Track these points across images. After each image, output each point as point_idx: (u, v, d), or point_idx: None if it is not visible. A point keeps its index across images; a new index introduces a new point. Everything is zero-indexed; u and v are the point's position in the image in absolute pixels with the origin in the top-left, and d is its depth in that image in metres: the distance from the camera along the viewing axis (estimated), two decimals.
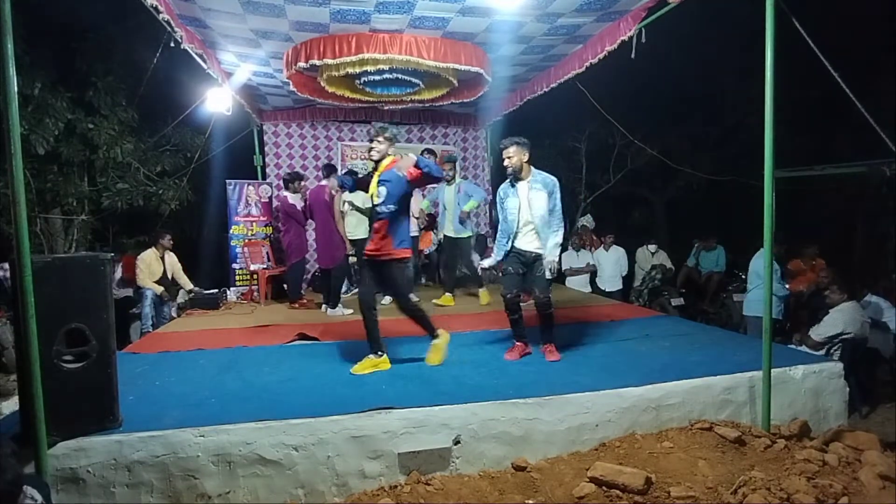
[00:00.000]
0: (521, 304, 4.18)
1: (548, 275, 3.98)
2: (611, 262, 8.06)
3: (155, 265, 6.76)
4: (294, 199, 6.76)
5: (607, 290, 7.93)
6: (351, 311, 6.14)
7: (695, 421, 3.43)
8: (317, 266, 7.25)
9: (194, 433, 2.84)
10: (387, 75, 5.67)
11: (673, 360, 3.99)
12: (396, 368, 3.92)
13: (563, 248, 8.61)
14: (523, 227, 4.04)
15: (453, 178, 6.46)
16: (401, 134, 9.00)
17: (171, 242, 6.98)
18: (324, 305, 6.38)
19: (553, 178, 4.10)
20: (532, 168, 4.08)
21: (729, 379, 3.58)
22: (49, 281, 2.62)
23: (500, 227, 4.23)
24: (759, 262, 5.69)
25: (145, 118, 8.12)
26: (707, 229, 8.55)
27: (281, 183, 7.56)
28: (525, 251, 4.05)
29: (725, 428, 3.33)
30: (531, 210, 3.99)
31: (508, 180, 4.11)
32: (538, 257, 4.02)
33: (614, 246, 8.15)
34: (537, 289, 4.03)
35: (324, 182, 6.40)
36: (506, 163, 4.03)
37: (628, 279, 8.34)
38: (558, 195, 4.07)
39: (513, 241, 4.08)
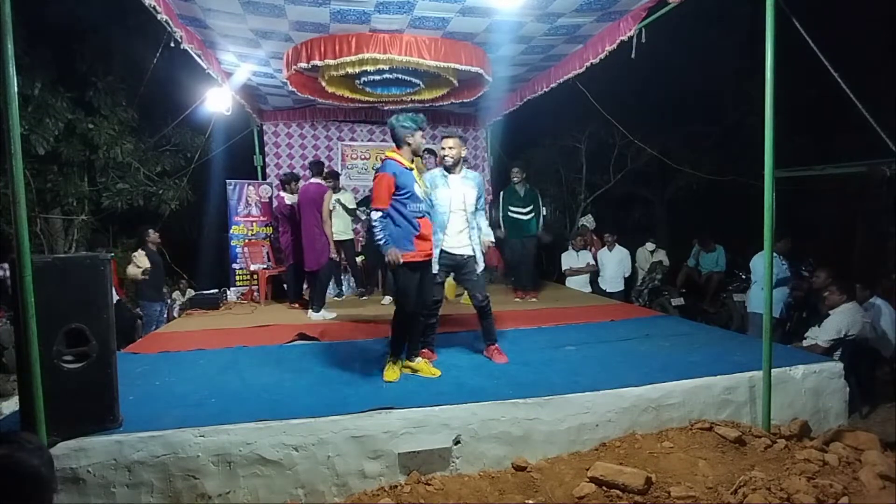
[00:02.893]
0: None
1: (479, 269, 3.99)
2: (614, 263, 7.85)
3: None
4: (291, 200, 6.73)
5: (609, 290, 7.77)
6: (335, 314, 6.00)
7: (695, 421, 3.43)
8: None
9: (194, 433, 2.84)
10: (387, 75, 5.67)
11: (673, 360, 3.99)
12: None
13: (563, 247, 8.65)
14: (454, 222, 3.96)
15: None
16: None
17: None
18: (310, 310, 6.16)
19: (479, 175, 4.19)
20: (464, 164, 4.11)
21: (729, 379, 3.58)
22: (49, 281, 2.62)
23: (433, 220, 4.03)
24: (760, 260, 5.75)
25: (145, 118, 8.13)
26: (707, 229, 8.54)
27: (279, 183, 7.55)
28: (456, 254, 3.97)
29: (725, 428, 3.33)
30: (465, 203, 3.96)
31: (441, 171, 4.06)
32: (471, 258, 3.97)
33: (617, 246, 7.95)
34: (476, 292, 4.00)
35: (313, 180, 6.24)
36: (445, 152, 3.98)
37: (630, 280, 8.21)
38: (483, 192, 4.11)
39: (443, 241, 3.97)
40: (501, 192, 7.26)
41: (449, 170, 4.02)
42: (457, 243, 3.98)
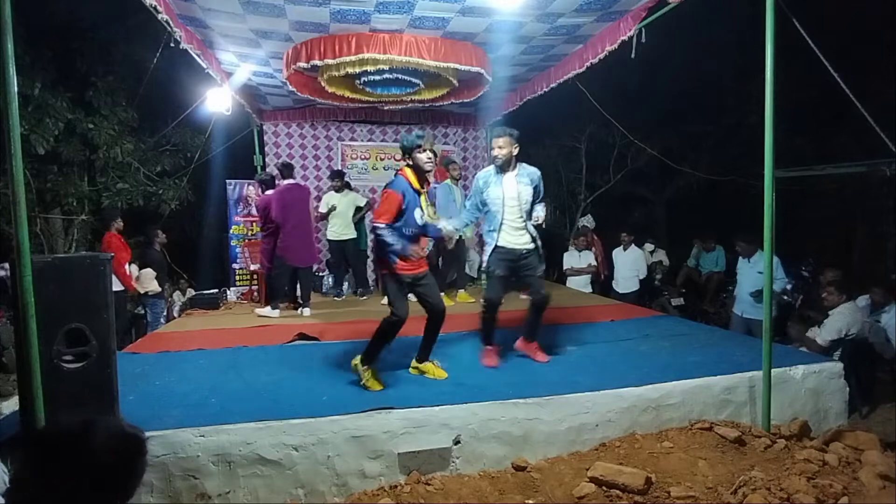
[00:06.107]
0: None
1: (541, 265, 4.00)
2: (627, 263, 7.60)
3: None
4: None
5: (621, 291, 7.50)
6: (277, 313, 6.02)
7: (695, 421, 3.43)
8: (316, 266, 7.23)
9: (194, 433, 2.85)
10: (387, 75, 5.67)
11: (673, 360, 3.99)
12: (396, 368, 3.92)
13: (564, 248, 8.64)
14: (509, 220, 3.92)
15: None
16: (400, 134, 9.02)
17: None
18: (304, 308, 6.23)
19: (537, 170, 4.04)
20: (518, 162, 4.01)
21: (729, 379, 3.58)
22: (49, 281, 2.62)
23: (477, 217, 4.06)
24: (745, 267, 5.83)
25: (145, 118, 8.14)
26: (707, 229, 8.53)
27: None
28: (513, 248, 3.93)
29: (725, 428, 3.33)
30: (518, 199, 3.91)
31: (494, 169, 3.99)
32: (530, 252, 3.94)
33: (633, 246, 7.70)
34: (535, 286, 3.97)
35: (290, 181, 6.35)
36: (495, 152, 3.93)
37: (644, 281, 7.82)
38: (542, 187, 4.04)
39: (497, 238, 3.93)
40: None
41: (501, 168, 3.94)
42: (513, 239, 3.93)
